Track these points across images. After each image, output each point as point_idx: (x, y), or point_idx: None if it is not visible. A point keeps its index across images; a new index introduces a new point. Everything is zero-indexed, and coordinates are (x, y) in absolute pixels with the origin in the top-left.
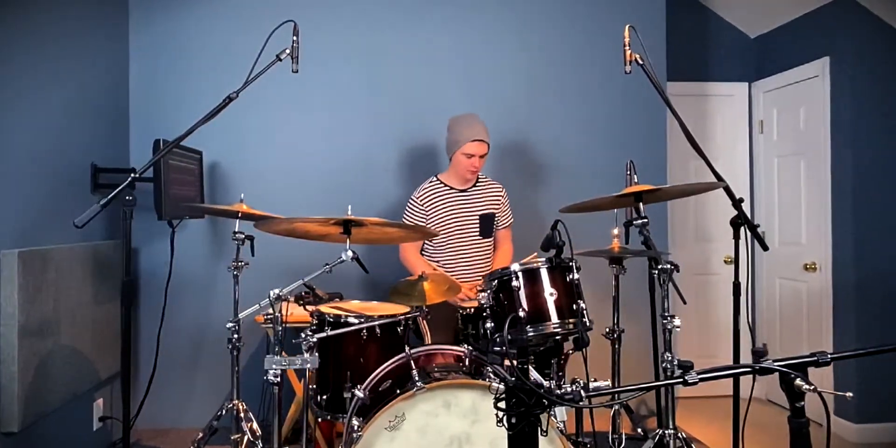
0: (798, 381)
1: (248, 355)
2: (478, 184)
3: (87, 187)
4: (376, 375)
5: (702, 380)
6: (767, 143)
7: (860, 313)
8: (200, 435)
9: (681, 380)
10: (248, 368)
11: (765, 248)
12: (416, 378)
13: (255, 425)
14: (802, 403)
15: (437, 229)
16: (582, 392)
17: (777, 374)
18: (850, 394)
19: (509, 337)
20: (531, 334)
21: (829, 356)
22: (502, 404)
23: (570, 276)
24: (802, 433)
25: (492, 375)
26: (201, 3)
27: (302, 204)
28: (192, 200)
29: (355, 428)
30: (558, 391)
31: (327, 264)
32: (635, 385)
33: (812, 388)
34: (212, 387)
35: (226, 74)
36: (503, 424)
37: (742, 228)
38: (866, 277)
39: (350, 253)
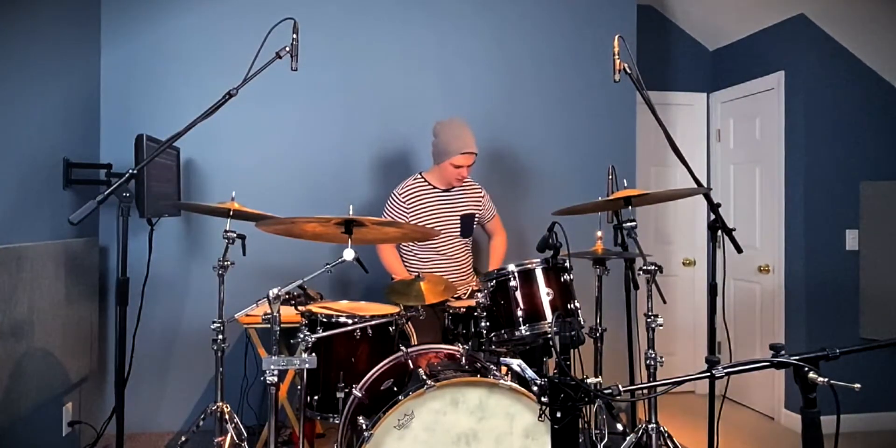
0: (811, 374)
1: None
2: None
3: (59, 183)
4: (373, 375)
5: (728, 374)
6: (724, 151)
7: (810, 312)
8: (184, 438)
9: (709, 374)
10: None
11: (739, 250)
12: (425, 377)
13: (240, 427)
14: (814, 395)
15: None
16: (620, 387)
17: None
18: (858, 385)
19: (556, 331)
20: (527, 333)
21: (839, 350)
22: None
23: (565, 277)
24: (814, 423)
25: (496, 373)
26: None
27: (278, 202)
28: (170, 197)
29: (364, 427)
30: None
31: (328, 264)
32: (666, 380)
33: (825, 380)
34: (182, 390)
35: (199, 67)
36: (546, 418)
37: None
38: (816, 278)
39: (352, 253)
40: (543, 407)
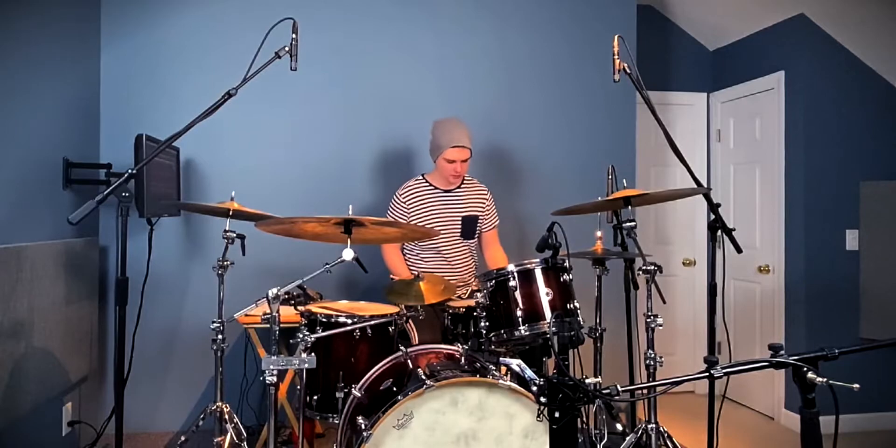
0: (810, 374)
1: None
2: (463, 185)
3: (58, 182)
4: (372, 375)
5: (726, 374)
6: (724, 151)
7: (810, 312)
8: (183, 438)
9: (707, 374)
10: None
11: (739, 250)
12: (424, 376)
13: (240, 426)
14: (813, 395)
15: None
16: (619, 387)
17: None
18: (857, 385)
19: (554, 331)
20: (526, 333)
21: (837, 351)
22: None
23: (564, 277)
24: (814, 423)
25: (495, 373)
26: None
27: (278, 202)
28: (170, 197)
29: (363, 426)
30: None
31: (327, 264)
32: (665, 380)
33: (824, 380)
34: (182, 390)
35: (199, 67)
36: (544, 418)
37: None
38: (816, 279)
39: (351, 253)
40: (542, 407)
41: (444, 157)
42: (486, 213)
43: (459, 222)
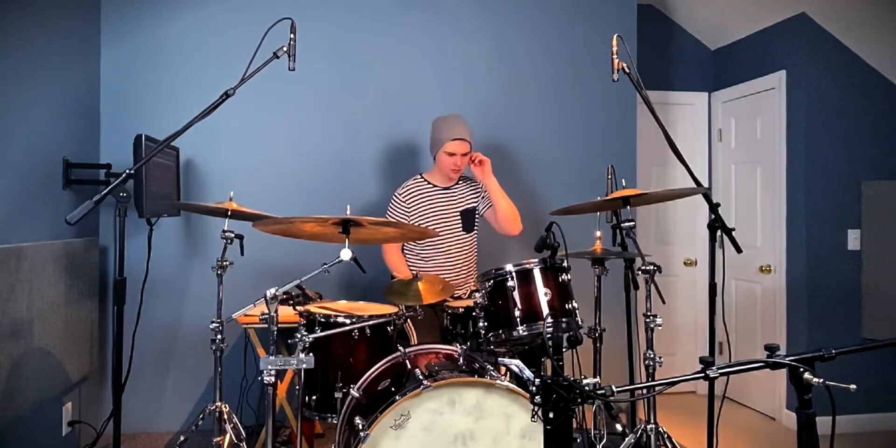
0: (807, 375)
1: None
2: (460, 181)
3: (58, 183)
4: (371, 375)
5: (722, 375)
6: (725, 150)
7: (812, 312)
8: (183, 438)
9: (703, 375)
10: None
11: (738, 250)
12: (422, 377)
13: (239, 427)
14: (810, 395)
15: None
16: (613, 387)
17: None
18: (854, 386)
19: (549, 332)
20: (525, 333)
21: (834, 351)
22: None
23: (563, 277)
24: (810, 423)
25: (493, 373)
26: None
27: (278, 202)
28: (170, 198)
29: (360, 427)
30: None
31: (325, 264)
32: (661, 381)
33: (820, 381)
34: (182, 390)
35: (199, 67)
36: (539, 419)
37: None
38: (817, 279)
39: (349, 253)
40: (536, 408)
41: (444, 151)
42: (484, 203)
43: (459, 217)
